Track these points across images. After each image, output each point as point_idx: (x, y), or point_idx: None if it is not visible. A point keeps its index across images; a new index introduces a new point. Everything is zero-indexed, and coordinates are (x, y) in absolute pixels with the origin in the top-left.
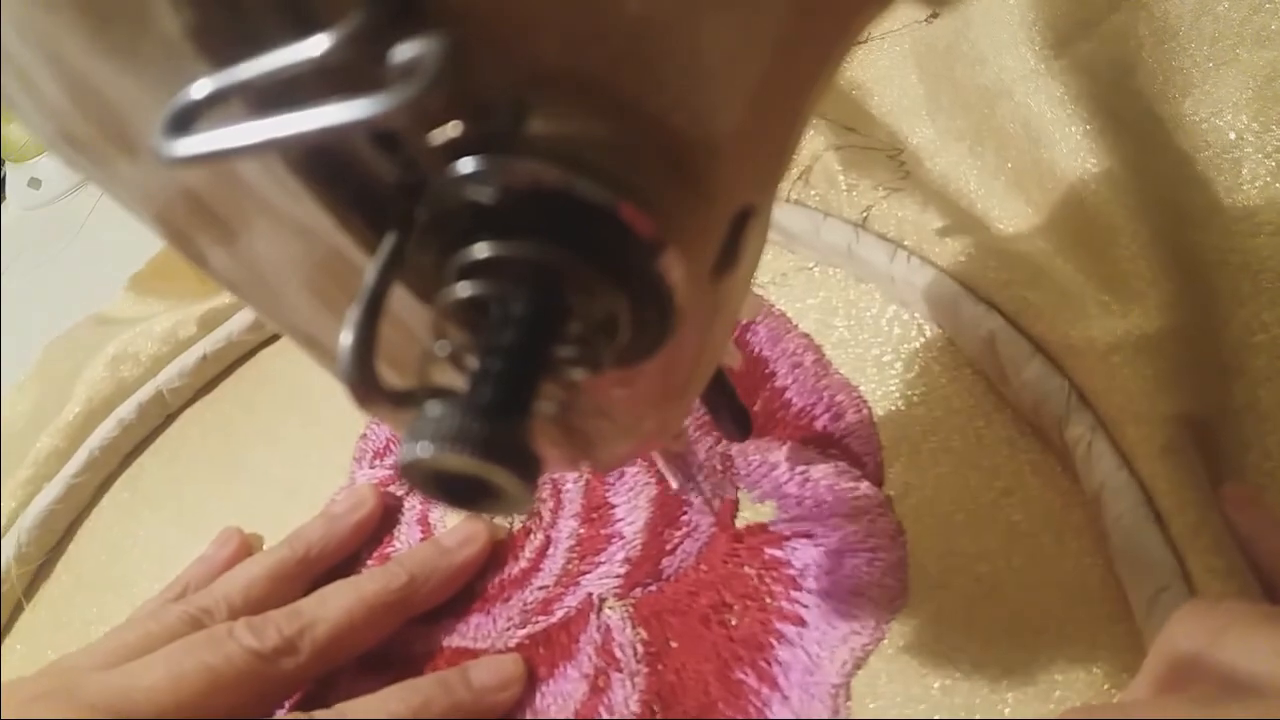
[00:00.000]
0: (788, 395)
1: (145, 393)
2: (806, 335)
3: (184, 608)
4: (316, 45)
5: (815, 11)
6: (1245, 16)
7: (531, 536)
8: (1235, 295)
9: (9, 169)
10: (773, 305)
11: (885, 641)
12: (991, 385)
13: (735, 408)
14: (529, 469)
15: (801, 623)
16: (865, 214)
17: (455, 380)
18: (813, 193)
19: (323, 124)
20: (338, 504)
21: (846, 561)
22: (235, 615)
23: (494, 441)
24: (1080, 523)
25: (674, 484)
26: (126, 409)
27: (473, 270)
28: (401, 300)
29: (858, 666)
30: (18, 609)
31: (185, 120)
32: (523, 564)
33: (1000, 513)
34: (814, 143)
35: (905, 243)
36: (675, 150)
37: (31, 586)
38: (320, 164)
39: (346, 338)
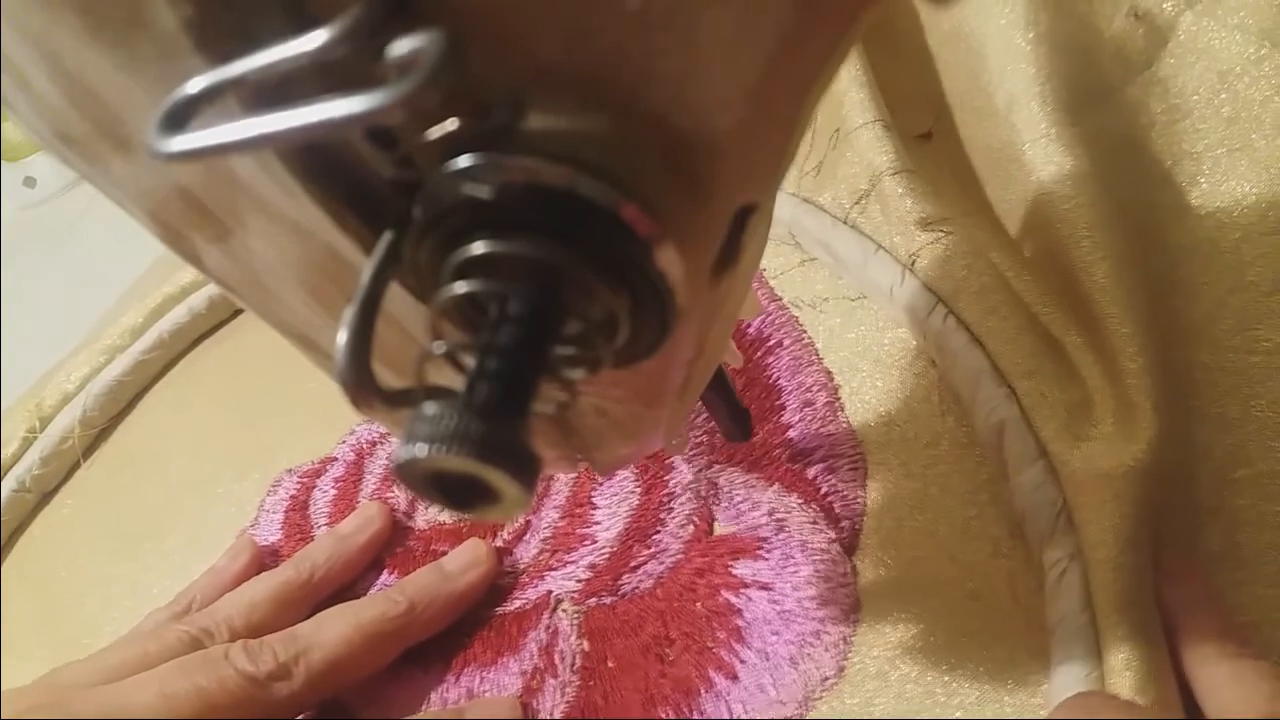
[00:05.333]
0: (790, 433)
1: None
2: (827, 372)
3: (185, 628)
4: (313, 40)
5: (817, 6)
6: (1266, 97)
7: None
8: (1221, 421)
9: (5, 168)
10: (804, 331)
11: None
12: (994, 475)
13: (735, 408)
14: (527, 470)
15: (734, 677)
16: (914, 257)
17: (452, 380)
18: (870, 216)
19: (319, 120)
20: (346, 523)
21: (794, 627)
22: (236, 637)
23: (491, 442)
24: (1037, 648)
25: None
26: (198, 298)
27: (470, 268)
28: (398, 300)
29: None
30: (75, 467)
31: (181, 116)
32: (498, 544)
33: (961, 615)
34: (876, 160)
35: (945, 294)
36: (675, 148)
37: (90, 449)
38: (316, 161)
39: (342, 337)
